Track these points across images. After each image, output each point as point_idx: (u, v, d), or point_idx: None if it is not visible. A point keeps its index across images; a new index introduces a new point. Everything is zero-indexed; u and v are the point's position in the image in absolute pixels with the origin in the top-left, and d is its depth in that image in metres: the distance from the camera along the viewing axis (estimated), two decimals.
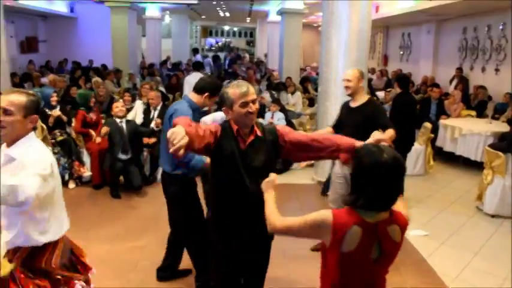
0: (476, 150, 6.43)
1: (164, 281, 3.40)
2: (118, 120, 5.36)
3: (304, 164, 6.36)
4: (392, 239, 1.68)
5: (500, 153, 4.85)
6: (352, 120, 3.61)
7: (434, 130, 6.93)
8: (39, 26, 14.66)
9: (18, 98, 1.97)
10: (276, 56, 14.07)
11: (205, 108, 3.46)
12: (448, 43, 11.09)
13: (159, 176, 5.34)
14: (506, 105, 7.69)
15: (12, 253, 2.04)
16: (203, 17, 22.95)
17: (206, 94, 3.00)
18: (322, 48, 5.67)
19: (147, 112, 6.10)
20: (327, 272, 1.76)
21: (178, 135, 1.75)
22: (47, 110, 5.55)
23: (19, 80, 9.34)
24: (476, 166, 6.32)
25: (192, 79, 7.39)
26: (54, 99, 5.65)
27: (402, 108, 5.14)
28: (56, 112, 5.63)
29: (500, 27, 8.81)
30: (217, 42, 32.19)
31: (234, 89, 2.10)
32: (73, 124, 5.91)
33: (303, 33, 13.27)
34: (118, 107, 5.44)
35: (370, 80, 10.78)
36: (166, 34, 20.54)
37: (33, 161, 1.91)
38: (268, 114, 6.84)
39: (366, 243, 1.64)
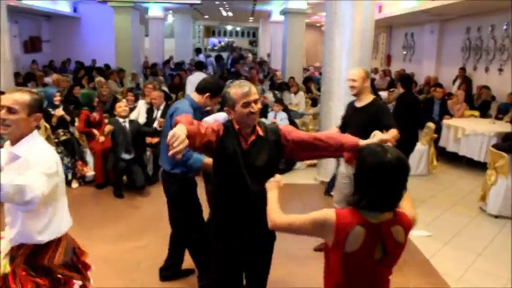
0: (479, 150, 6.40)
1: (167, 280, 3.40)
2: (121, 120, 5.36)
3: (306, 163, 6.41)
4: (396, 240, 1.67)
5: (504, 154, 4.83)
6: (357, 120, 3.60)
7: (438, 130, 6.90)
8: (42, 25, 14.70)
9: (22, 96, 2.00)
10: (279, 55, 14.06)
11: (208, 109, 3.47)
12: (451, 43, 11.05)
13: None
14: (510, 105, 7.64)
15: (16, 250, 2.06)
16: (206, 16, 22.95)
17: (207, 94, 3.01)
18: (325, 48, 5.66)
19: (150, 112, 6.11)
20: (330, 272, 1.75)
21: (178, 139, 1.75)
22: (50, 110, 5.57)
23: (22, 80, 9.33)
24: (479, 166, 6.30)
25: (194, 79, 7.40)
26: (57, 98, 5.68)
27: (405, 108, 5.13)
28: (59, 112, 5.65)
29: (504, 27, 8.77)
30: (220, 42, 32.16)
31: (236, 89, 2.10)
32: (76, 124, 5.92)
33: (306, 33, 13.24)
34: (121, 106, 5.45)
35: (373, 80, 10.77)
36: (169, 34, 20.59)
37: (38, 160, 1.93)
38: (271, 114, 6.83)
39: (369, 243, 1.63)
